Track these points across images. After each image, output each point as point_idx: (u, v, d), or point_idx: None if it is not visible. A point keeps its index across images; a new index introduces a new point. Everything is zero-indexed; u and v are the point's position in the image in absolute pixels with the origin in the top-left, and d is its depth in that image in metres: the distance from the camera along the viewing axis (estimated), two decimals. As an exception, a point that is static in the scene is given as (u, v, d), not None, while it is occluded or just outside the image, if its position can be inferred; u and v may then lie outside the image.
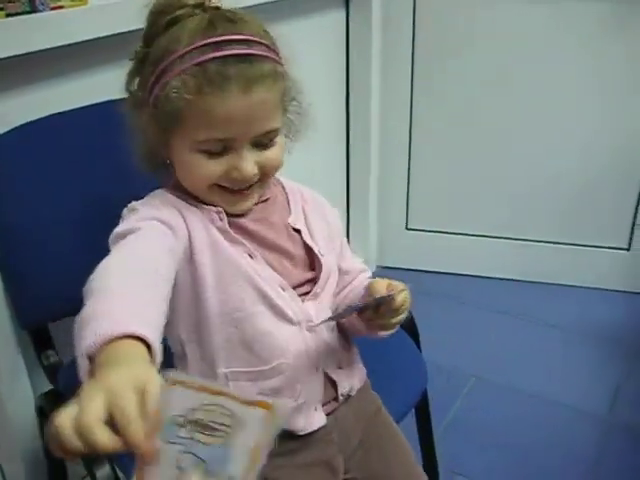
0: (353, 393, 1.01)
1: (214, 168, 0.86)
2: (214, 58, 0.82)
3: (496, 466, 1.64)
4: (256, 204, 0.95)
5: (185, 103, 0.82)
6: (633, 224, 2.25)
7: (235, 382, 0.91)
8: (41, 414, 1.19)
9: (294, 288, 0.94)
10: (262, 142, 0.88)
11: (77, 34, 1.15)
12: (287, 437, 0.93)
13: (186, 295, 0.88)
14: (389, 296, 0.87)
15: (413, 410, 1.27)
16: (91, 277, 0.72)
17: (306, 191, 1.05)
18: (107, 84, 1.28)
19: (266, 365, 0.91)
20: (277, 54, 0.88)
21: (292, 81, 0.90)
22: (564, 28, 2.06)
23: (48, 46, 1.11)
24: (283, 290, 0.92)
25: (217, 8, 0.89)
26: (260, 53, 0.84)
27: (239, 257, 0.89)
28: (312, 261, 0.98)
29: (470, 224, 2.40)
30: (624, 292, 2.34)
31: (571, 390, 1.90)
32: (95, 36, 1.18)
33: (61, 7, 1.12)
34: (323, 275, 0.97)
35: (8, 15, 1.04)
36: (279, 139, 0.91)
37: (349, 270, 1.06)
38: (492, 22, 2.10)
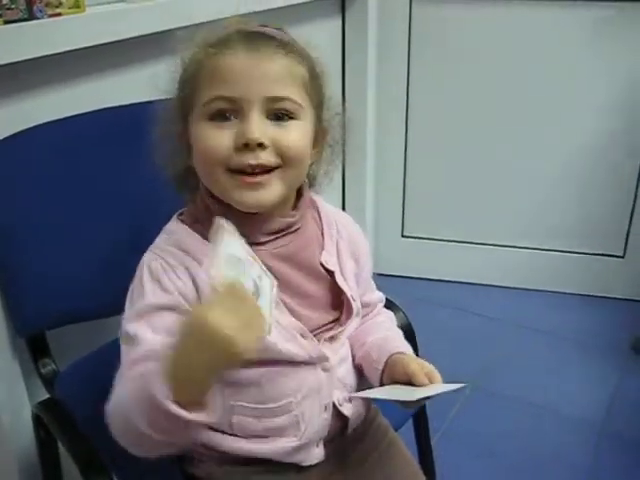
0: (360, 422, 0.99)
1: (222, 136, 0.81)
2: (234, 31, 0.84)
3: (492, 475, 1.64)
4: (284, 234, 0.89)
5: (195, 68, 0.84)
6: (628, 231, 2.26)
7: (240, 417, 0.88)
8: (37, 423, 1.18)
9: (313, 331, 0.91)
10: (277, 113, 0.83)
11: (75, 41, 1.15)
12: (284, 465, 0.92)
13: None
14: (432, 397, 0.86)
15: (411, 419, 1.27)
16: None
17: (341, 221, 1.00)
18: (104, 91, 1.29)
19: (274, 403, 0.88)
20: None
21: (321, 78, 0.89)
22: (561, 32, 2.08)
23: (46, 53, 1.10)
24: (303, 337, 0.89)
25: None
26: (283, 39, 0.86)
27: None
28: (337, 301, 0.95)
29: (465, 232, 2.40)
30: (619, 299, 2.35)
31: (566, 398, 1.90)
32: (93, 43, 1.17)
33: (59, 14, 1.12)
34: (350, 320, 0.95)
35: (6, 22, 1.04)
36: (302, 124, 0.85)
37: (369, 303, 1.05)
38: (488, 29, 2.11)
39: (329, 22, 2.06)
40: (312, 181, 0.96)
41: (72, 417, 1.08)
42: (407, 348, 1.00)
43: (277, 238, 0.89)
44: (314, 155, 0.91)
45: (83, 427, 1.05)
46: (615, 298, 2.35)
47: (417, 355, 1.29)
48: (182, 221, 0.90)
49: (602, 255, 2.33)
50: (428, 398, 0.87)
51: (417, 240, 2.46)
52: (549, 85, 2.13)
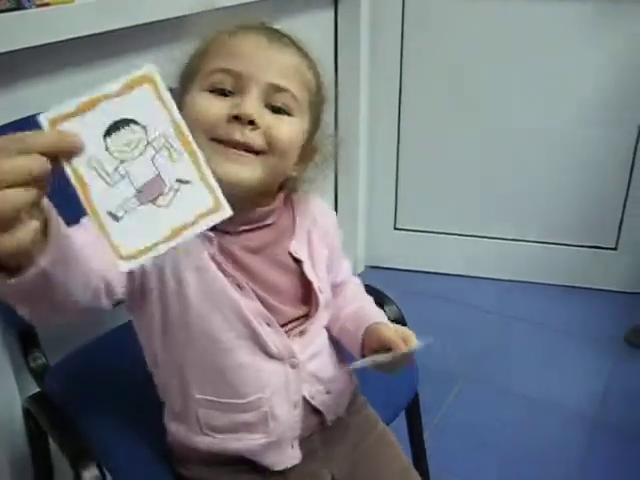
0: (341, 415, 0.99)
1: (219, 106, 0.80)
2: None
3: (485, 466, 1.64)
4: (258, 227, 0.89)
5: (214, 36, 0.84)
6: (621, 224, 2.26)
7: (206, 410, 0.88)
8: (27, 417, 1.18)
9: (283, 325, 0.91)
10: (274, 103, 0.83)
11: (63, 32, 1.13)
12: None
13: (171, 310, 0.85)
14: (411, 352, 0.88)
15: (403, 411, 1.27)
16: None
17: (317, 210, 0.99)
18: (93, 83, 1.28)
19: (242, 399, 0.88)
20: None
21: (324, 100, 0.90)
22: (554, 27, 2.07)
23: (34, 44, 1.09)
24: (268, 326, 0.88)
25: None
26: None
27: (227, 285, 0.85)
28: (307, 295, 0.94)
29: (459, 224, 2.40)
30: (611, 291, 2.35)
31: (559, 390, 1.90)
32: (81, 34, 1.16)
33: (47, 4, 1.10)
34: (318, 313, 0.94)
35: (-5, 12, 1.03)
36: (297, 122, 0.85)
37: (343, 281, 1.05)
38: (483, 19, 2.10)
39: (321, 14, 2.05)
40: (294, 185, 0.95)
41: (62, 411, 1.08)
42: (380, 316, 1.01)
43: (251, 230, 0.89)
44: (296, 169, 0.90)
45: (73, 421, 1.05)
46: (608, 290, 2.35)
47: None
48: None
49: (595, 247, 2.33)
50: (407, 354, 0.89)
51: (410, 232, 2.45)
52: (542, 76, 2.12)
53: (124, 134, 0.55)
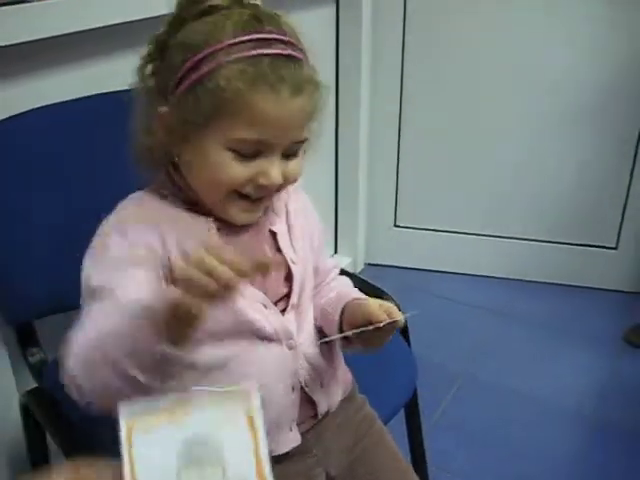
0: (332, 410, 0.98)
1: (242, 170, 0.81)
2: (266, 55, 0.78)
3: (483, 463, 1.64)
4: None
5: (232, 95, 0.77)
6: (621, 223, 2.26)
7: None
8: (25, 412, 1.17)
9: (274, 303, 0.90)
10: (291, 152, 0.84)
11: (65, 25, 1.13)
12: None
13: None
14: (394, 321, 0.88)
15: (402, 409, 1.27)
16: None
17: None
18: (95, 77, 1.27)
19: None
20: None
21: (324, 90, 0.86)
22: (555, 29, 2.07)
23: (34, 37, 1.09)
24: (265, 307, 0.88)
25: (255, 6, 0.84)
26: (303, 58, 0.82)
27: None
28: (287, 270, 0.93)
29: (458, 222, 2.40)
30: (611, 291, 2.35)
31: (558, 389, 1.90)
32: (83, 28, 1.16)
33: (48, -3, 1.10)
34: (296, 286, 0.93)
35: (-5, 4, 1.02)
36: (301, 151, 0.87)
37: (323, 269, 1.04)
38: (483, 18, 2.10)
39: (323, 11, 2.04)
40: None
41: (60, 406, 1.07)
42: (360, 293, 1.01)
43: None
44: None
45: (71, 416, 1.04)
46: (608, 290, 2.35)
47: (409, 346, 1.29)
48: (144, 191, 0.89)
49: (595, 246, 2.33)
50: (392, 325, 0.89)
51: (410, 230, 2.45)
52: (543, 77, 2.12)
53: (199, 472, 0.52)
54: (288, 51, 0.79)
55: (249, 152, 0.80)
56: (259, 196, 0.84)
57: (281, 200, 0.95)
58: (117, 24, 1.21)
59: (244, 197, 0.83)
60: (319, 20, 2.03)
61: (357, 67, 2.15)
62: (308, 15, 1.92)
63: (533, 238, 2.36)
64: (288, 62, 0.79)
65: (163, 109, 0.82)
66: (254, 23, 0.79)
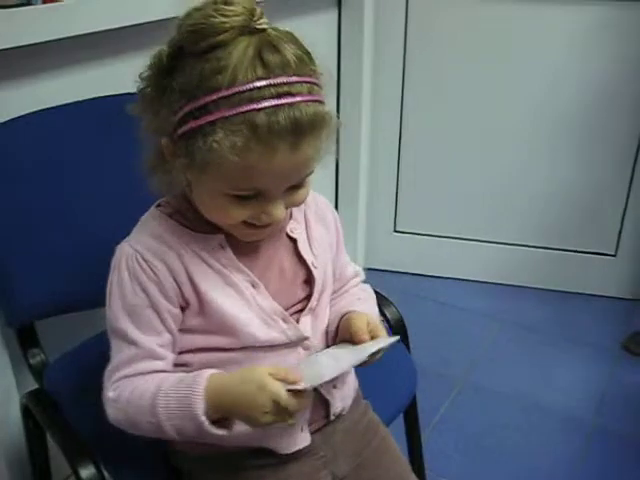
0: (345, 412, 0.99)
1: (242, 212, 0.81)
2: (260, 109, 0.73)
3: (481, 468, 1.64)
4: None
5: (225, 160, 0.74)
6: (620, 230, 2.27)
7: None
8: (26, 413, 1.17)
9: (292, 306, 0.92)
10: (296, 185, 0.82)
11: (71, 28, 1.14)
12: (269, 452, 0.91)
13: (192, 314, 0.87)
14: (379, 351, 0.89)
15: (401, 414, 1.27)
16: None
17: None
18: (99, 80, 1.27)
19: None
20: (319, 85, 0.79)
21: (332, 122, 0.80)
22: (557, 32, 2.07)
23: (41, 40, 1.09)
24: (284, 322, 0.89)
25: (264, 30, 0.77)
26: (309, 99, 0.76)
27: (242, 287, 0.87)
28: (307, 274, 0.94)
29: (458, 228, 2.40)
30: (610, 298, 2.35)
31: (557, 396, 1.90)
32: (90, 30, 1.16)
33: (55, 0, 1.11)
34: (316, 291, 0.93)
35: (2, 7, 1.02)
36: (308, 179, 0.84)
37: (343, 276, 1.05)
38: (485, 24, 2.10)
39: (325, 15, 2.05)
40: None
41: (60, 408, 1.08)
42: (370, 309, 1.00)
43: None
44: None
45: (71, 418, 1.04)
46: (607, 297, 2.35)
47: (408, 349, 1.30)
48: (161, 211, 0.89)
49: (594, 253, 2.33)
50: (374, 354, 0.89)
51: (409, 235, 2.45)
52: (544, 81, 2.12)
53: None
54: (287, 99, 0.74)
55: (249, 195, 0.79)
56: (265, 224, 0.83)
57: (300, 208, 0.95)
58: (117, 28, 1.22)
59: (250, 225, 0.83)
60: (321, 24, 2.04)
61: (358, 71, 2.15)
62: (310, 19, 1.93)
63: (532, 245, 2.37)
64: (289, 109, 0.74)
65: (164, 140, 0.81)
66: (255, 64, 0.74)
